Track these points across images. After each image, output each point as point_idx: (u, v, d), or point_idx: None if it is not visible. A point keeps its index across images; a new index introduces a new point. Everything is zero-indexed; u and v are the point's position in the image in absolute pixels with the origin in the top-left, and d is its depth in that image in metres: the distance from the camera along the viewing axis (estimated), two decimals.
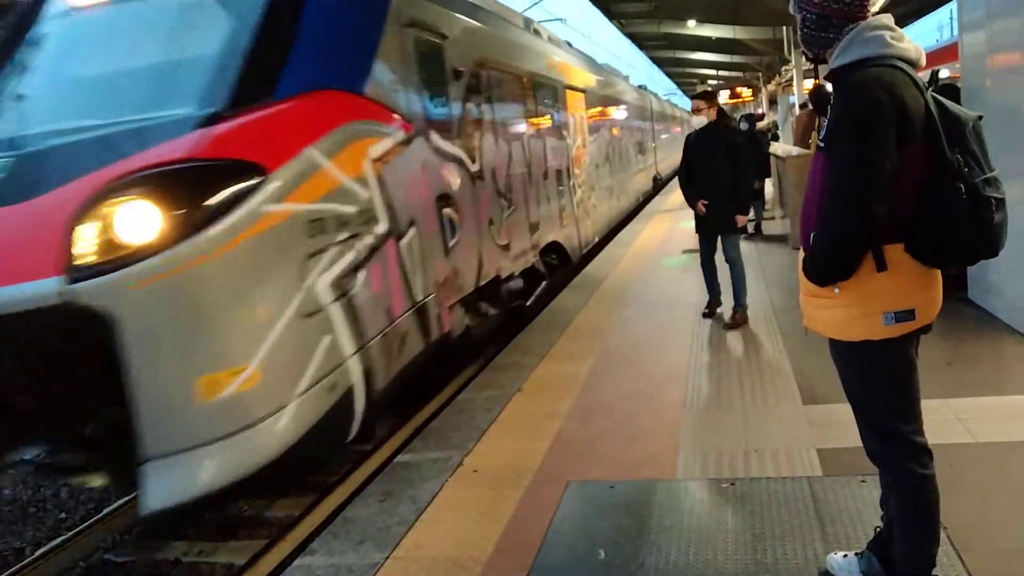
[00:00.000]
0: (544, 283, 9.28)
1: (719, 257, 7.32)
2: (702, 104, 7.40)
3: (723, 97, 34.98)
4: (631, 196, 18.38)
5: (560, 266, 10.42)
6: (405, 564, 3.62)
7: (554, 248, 10.07)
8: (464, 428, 5.26)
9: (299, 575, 3.71)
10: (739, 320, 7.16)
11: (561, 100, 11.05)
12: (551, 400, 5.63)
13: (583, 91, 12.74)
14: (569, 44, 14.90)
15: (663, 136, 28.58)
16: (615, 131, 16.33)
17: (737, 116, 13.65)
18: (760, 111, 26.14)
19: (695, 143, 7.37)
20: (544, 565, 3.47)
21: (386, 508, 4.23)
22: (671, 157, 29.12)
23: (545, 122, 9.99)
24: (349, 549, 3.84)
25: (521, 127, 8.81)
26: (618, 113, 16.95)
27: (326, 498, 5.12)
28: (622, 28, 27.06)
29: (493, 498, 4.17)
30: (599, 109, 14.42)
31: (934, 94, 2.50)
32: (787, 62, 26.12)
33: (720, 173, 7.11)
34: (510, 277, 7.94)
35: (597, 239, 13.04)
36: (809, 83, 22.08)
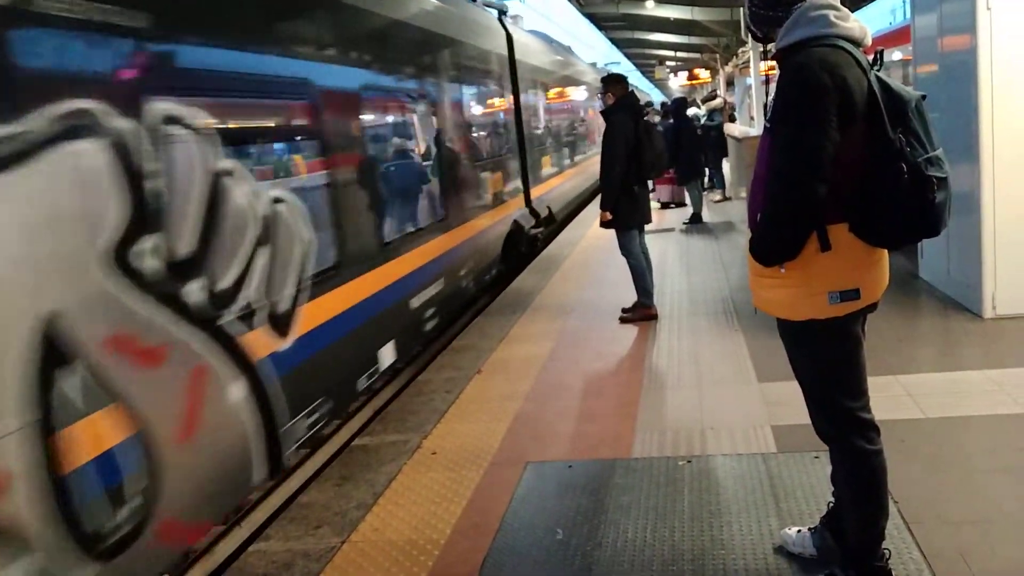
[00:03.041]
0: None
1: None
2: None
3: (682, 78, 35.14)
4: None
5: None
6: (362, 548, 3.59)
7: None
8: (422, 410, 5.23)
9: (255, 560, 3.66)
10: (632, 316, 6.91)
11: None
12: (510, 381, 5.62)
13: None
14: None
15: (563, 121, 15.75)
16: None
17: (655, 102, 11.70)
18: (715, 91, 25.71)
19: None
20: (503, 546, 3.47)
21: (343, 492, 4.19)
22: (589, 165, 17.27)
23: None
24: (306, 534, 3.80)
25: None
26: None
27: (283, 483, 5.07)
28: (581, 8, 26.96)
29: (452, 480, 4.15)
30: None
31: (877, 73, 2.51)
32: (744, 44, 26.26)
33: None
34: None
35: None
36: (764, 65, 22.18)
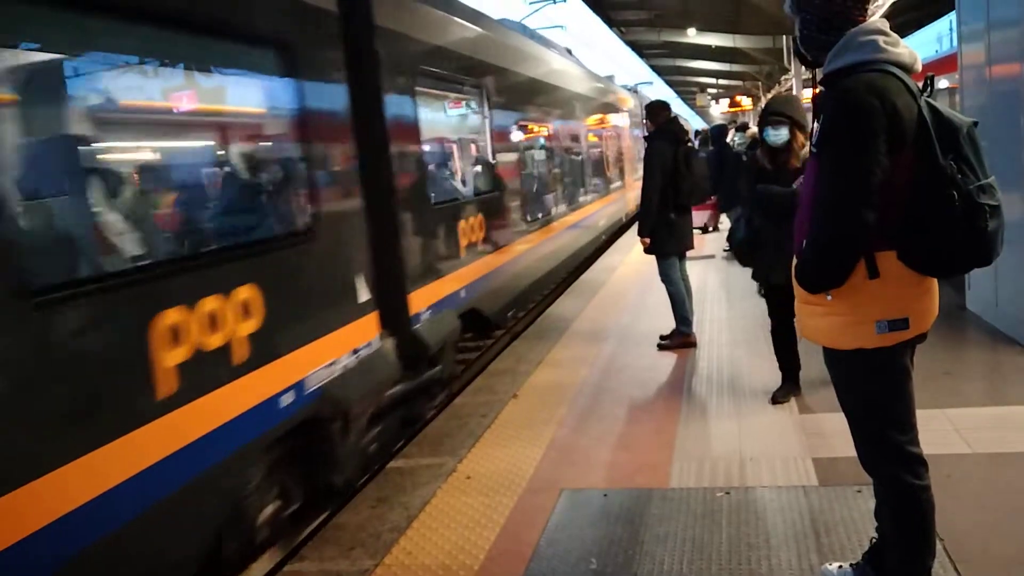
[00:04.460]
0: None
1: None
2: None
3: (723, 106, 35.02)
4: None
5: None
6: (396, 571, 3.58)
7: None
8: (458, 434, 5.23)
9: None
10: (670, 343, 6.86)
11: None
12: (546, 407, 5.59)
13: None
14: None
15: (529, 152, 9.92)
16: None
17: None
18: (744, 122, 25.32)
19: None
20: (536, 573, 3.43)
21: (378, 514, 4.19)
22: (582, 218, 12.45)
23: None
24: (340, 555, 3.80)
25: None
26: None
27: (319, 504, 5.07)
28: (622, 36, 27.08)
29: (486, 505, 4.13)
30: None
31: (928, 100, 2.47)
32: (787, 71, 26.10)
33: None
34: None
35: None
36: (808, 92, 21.93)
